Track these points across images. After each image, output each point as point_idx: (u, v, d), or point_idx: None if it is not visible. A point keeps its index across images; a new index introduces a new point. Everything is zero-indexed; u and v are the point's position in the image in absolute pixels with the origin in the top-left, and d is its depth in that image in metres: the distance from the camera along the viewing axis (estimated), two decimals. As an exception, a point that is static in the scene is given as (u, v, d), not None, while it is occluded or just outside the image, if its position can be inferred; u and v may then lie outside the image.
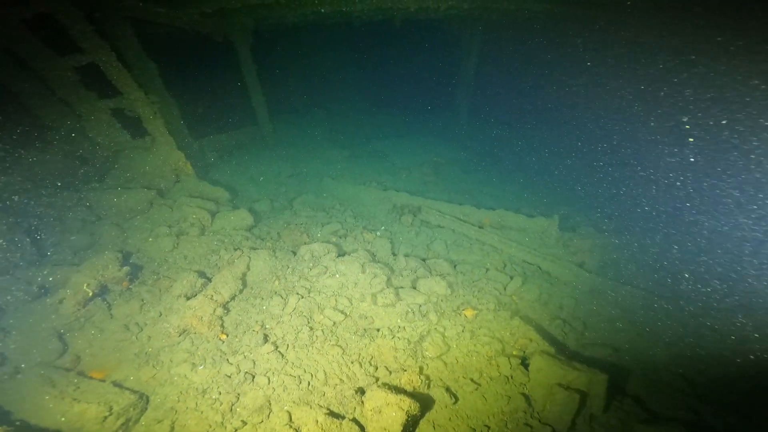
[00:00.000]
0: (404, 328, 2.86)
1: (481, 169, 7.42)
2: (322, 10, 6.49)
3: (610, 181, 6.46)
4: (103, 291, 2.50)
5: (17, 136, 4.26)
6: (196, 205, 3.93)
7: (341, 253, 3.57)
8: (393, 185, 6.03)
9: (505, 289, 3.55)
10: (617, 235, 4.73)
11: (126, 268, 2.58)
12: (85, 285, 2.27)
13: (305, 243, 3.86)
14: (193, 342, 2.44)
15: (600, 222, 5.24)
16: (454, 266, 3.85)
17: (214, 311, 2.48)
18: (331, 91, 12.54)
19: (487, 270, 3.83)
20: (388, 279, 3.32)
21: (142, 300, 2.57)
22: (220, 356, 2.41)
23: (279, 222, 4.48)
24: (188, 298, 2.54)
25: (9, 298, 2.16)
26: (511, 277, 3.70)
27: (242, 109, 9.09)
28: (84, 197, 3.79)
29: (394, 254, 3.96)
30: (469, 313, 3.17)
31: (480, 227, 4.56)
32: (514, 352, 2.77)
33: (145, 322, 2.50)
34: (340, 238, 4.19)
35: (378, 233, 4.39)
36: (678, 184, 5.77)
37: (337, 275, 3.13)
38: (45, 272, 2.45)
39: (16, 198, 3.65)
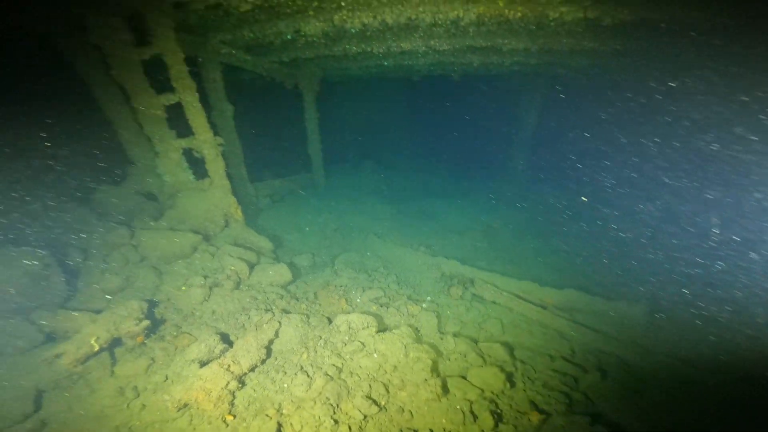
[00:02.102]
0: (451, 433, 2.21)
1: (540, 238, 6.69)
2: (386, 63, 6.67)
3: (708, 254, 5.34)
4: (114, 344, 2.19)
5: (103, 167, 4.48)
6: (237, 255, 3.69)
7: (382, 328, 3.04)
8: (442, 250, 5.54)
9: (577, 384, 2.78)
10: (721, 318, 3.76)
11: (145, 323, 2.27)
12: (93, 339, 1.98)
13: (343, 310, 3.42)
14: (191, 421, 1.96)
15: (698, 302, 4.27)
16: (512, 352, 3.15)
17: (227, 385, 2.04)
18: (383, 143, 12.77)
19: (553, 359, 3.10)
20: (434, 364, 2.71)
21: (152, 359, 2.21)
22: (221, 447, 1.92)
23: (318, 281, 4.12)
24: (202, 365, 2.14)
25: (8, 345, 1.91)
26: (586, 370, 2.93)
27: (299, 156, 9.40)
28: (136, 236, 3.72)
29: (441, 333, 3.36)
30: (535, 417, 2.43)
31: (543, 307, 3.84)
32: (600, 476, 1.99)
33: (146, 387, 2.10)
34: (382, 306, 3.69)
35: (424, 305, 3.84)
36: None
37: (375, 355, 2.59)
38: (61, 317, 2.22)
39: (73, 231, 3.67)
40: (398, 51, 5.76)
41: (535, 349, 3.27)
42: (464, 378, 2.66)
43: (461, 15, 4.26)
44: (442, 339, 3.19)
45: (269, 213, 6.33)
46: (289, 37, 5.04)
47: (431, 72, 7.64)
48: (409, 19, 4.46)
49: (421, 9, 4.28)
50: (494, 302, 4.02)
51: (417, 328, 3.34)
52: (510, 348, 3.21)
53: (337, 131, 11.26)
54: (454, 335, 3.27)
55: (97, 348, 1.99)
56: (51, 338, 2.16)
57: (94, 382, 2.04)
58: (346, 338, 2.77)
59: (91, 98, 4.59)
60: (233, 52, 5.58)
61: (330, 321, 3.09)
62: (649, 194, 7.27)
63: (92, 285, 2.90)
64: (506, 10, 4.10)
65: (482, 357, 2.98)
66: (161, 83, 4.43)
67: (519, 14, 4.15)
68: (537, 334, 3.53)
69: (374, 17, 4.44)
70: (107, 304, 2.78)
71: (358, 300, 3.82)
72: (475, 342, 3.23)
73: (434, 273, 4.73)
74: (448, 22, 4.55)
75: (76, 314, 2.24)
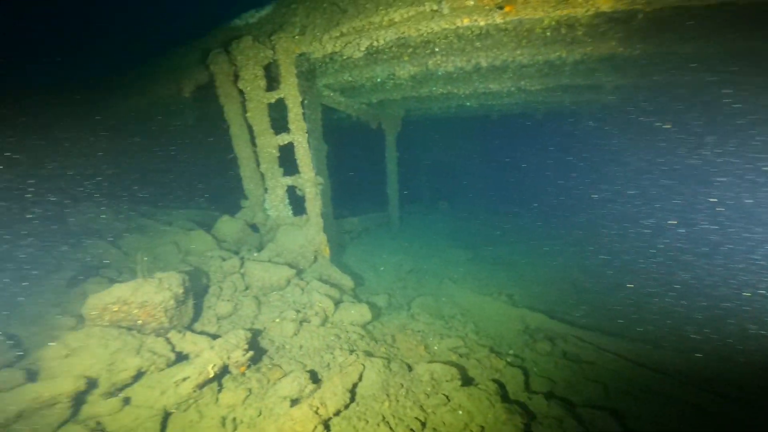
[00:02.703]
0: None
1: (639, 293, 5.77)
2: (468, 103, 6.63)
3: None
4: (221, 372, 2.41)
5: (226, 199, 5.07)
6: (325, 291, 3.85)
7: (465, 380, 2.86)
8: (522, 300, 5.12)
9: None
10: None
11: (250, 353, 2.44)
12: (211, 366, 2.19)
13: (422, 357, 3.32)
14: (283, 462, 2.01)
15: None
16: (623, 423, 2.68)
17: (314, 429, 2.07)
18: (458, 184, 12.38)
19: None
20: (527, 430, 2.43)
21: (249, 390, 2.34)
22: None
23: (395, 322, 4.07)
24: (292, 403, 2.22)
25: (153, 364, 2.20)
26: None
27: (376, 194, 9.66)
28: (244, 265, 4.03)
29: (530, 392, 3.02)
30: None
31: (664, 373, 3.22)
32: None
33: (242, 420, 2.18)
34: (461, 357, 3.49)
35: (508, 359, 3.53)
36: None
37: (460, 411, 2.42)
38: (188, 339, 2.49)
39: (202, 256, 4.18)
40: (484, 91, 5.71)
41: (659, 423, 2.72)
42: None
43: (564, 55, 4.10)
44: (531, 399, 2.86)
45: (348, 249, 6.57)
46: (379, 80, 5.35)
47: (512, 110, 7.43)
48: (503, 62, 4.39)
49: (518, 52, 4.19)
50: (592, 362, 3.52)
51: (503, 384, 3.06)
52: (620, 418, 2.74)
53: (415, 170, 11.32)
54: (546, 396, 2.91)
55: (212, 375, 2.20)
56: (180, 359, 2.45)
57: (202, 408, 2.18)
58: (429, 389, 2.65)
59: (228, 137, 5.27)
60: (331, 94, 6.06)
61: (410, 368, 3.00)
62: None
63: (209, 309, 3.28)
64: (620, 49, 3.85)
65: (584, 425, 2.58)
66: (279, 124, 4.91)
67: (637, 52, 3.87)
68: (658, 404, 2.95)
69: (468, 61, 4.47)
70: (218, 327, 3.10)
71: (436, 347, 3.69)
72: (572, 405, 2.83)
73: (516, 325, 4.38)
74: (542, 62, 4.38)
75: (198, 337, 2.53)
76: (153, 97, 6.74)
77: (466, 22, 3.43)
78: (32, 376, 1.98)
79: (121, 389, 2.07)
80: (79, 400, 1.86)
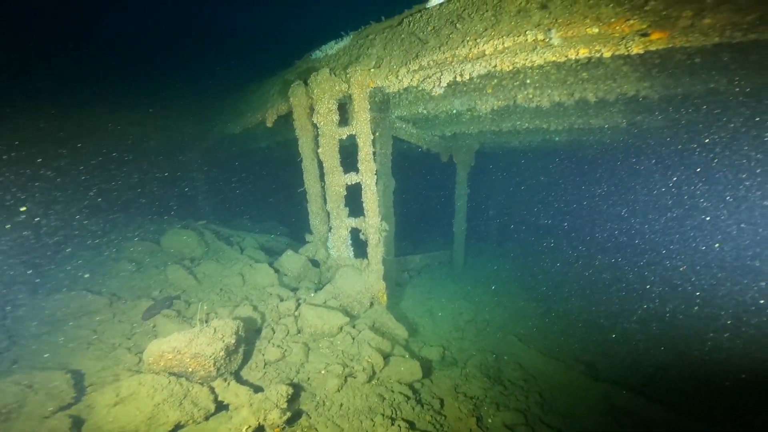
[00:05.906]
0: None
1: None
2: (557, 138, 6.01)
3: None
4: (257, 429, 2.40)
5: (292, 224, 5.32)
6: (376, 344, 3.69)
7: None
8: (606, 372, 4.40)
9: None
10: None
11: (287, 415, 2.39)
12: (245, 428, 2.19)
13: (472, 435, 2.99)
14: None
15: None
16: None
17: None
18: (533, 223, 11.24)
19: None
20: None
21: None
22: None
23: (446, 383, 3.76)
24: (323, 480, 2.13)
25: (193, 414, 2.30)
26: None
27: (441, 231, 9.25)
28: (299, 308, 4.03)
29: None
30: None
31: None
32: None
33: None
34: (520, 439, 3.08)
35: (580, 451, 3.01)
36: None
37: None
38: (231, 389, 2.52)
39: (264, 294, 4.40)
40: (581, 127, 5.05)
41: None
42: None
43: (721, 88, 3.30)
44: None
45: (405, 290, 6.40)
46: (454, 111, 4.92)
47: (610, 146, 6.57)
48: (620, 95, 3.68)
49: (645, 84, 3.43)
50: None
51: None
52: None
53: (484, 205, 10.66)
54: None
55: (245, 437, 2.23)
56: (220, 408, 2.52)
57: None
58: (474, 486, 2.34)
59: (300, 171, 5.26)
60: (404, 126, 5.81)
61: (457, 449, 2.71)
62: None
63: (259, 352, 3.41)
64: None
65: None
66: (347, 162, 4.74)
67: None
68: None
69: (569, 95, 3.88)
70: (264, 374, 3.18)
71: (490, 420, 3.30)
72: None
73: (596, 403, 3.76)
74: (682, 95, 3.54)
75: (240, 388, 2.59)
76: (245, 124, 7.21)
77: (583, 53, 2.80)
78: (78, 424, 2.13)
79: (157, 444, 2.18)
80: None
